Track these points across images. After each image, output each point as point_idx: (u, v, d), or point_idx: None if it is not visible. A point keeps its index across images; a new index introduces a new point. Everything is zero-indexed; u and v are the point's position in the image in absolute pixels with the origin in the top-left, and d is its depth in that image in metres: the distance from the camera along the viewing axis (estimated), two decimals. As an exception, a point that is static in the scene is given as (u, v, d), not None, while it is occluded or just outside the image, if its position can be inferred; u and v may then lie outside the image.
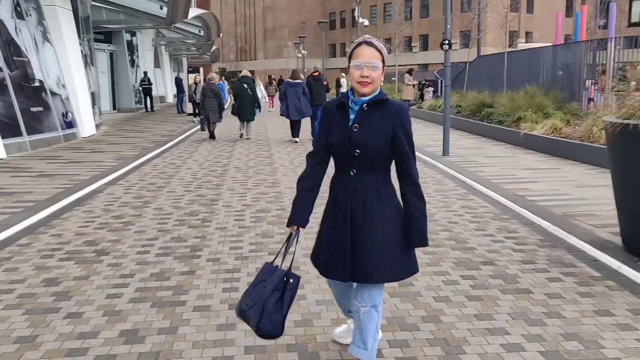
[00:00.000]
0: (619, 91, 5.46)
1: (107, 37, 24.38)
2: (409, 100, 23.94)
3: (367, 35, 2.58)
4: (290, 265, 2.63)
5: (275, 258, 2.65)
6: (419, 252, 4.78)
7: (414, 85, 24.91)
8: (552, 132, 10.96)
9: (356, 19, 36.61)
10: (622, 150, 4.73)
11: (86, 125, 14.65)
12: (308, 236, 5.19)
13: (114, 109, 24.82)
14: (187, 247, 4.98)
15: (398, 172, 2.59)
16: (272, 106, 27.26)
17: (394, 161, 2.59)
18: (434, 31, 58.22)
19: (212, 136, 14.38)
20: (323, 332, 3.28)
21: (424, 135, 14.40)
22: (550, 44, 17.35)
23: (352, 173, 2.55)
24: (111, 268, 4.41)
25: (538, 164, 9.65)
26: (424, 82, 26.13)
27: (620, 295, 3.83)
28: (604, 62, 12.70)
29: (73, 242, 5.12)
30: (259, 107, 14.76)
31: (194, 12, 26.88)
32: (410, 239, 2.57)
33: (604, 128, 5.11)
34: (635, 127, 4.41)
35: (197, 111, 17.88)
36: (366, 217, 2.53)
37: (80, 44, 15.33)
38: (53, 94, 13.24)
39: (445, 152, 10.82)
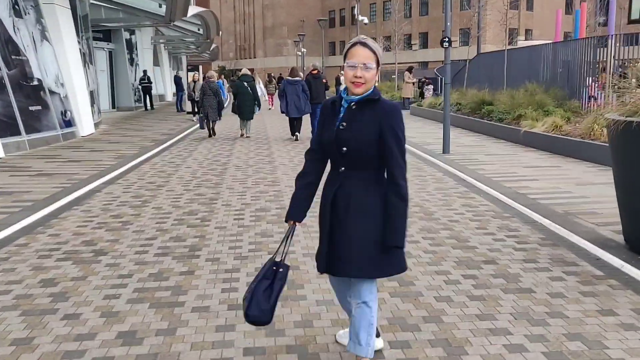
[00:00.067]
0: (619, 88, 5.41)
1: (106, 35, 24.33)
2: (408, 98, 23.91)
3: (362, 36, 2.61)
4: (283, 256, 2.70)
5: (274, 254, 2.72)
6: (419, 251, 4.82)
7: (413, 83, 24.88)
8: (553, 129, 10.93)
9: (356, 16, 36.58)
10: (624, 147, 4.70)
11: (85, 124, 14.61)
12: (309, 235, 5.17)
13: (113, 107, 24.79)
14: (186, 246, 4.94)
15: (386, 170, 2.61)
16: (272, 104, 27.22)
17: None
18: (434, 29, 58.16)
19: (212, 134, 14.42)
20: (323, 333, 3.24)
21: (424, 133, 14.37)
22: (550, 42, 17.29)
23: (341, 170, 2.61)
24: (109, 268, 4.37)
25: (539, 162, 9.61)
26: (423, 79, 26.10)
27: (623, 294, 3.79)
28: (604, 60, 12.64)
29: (71, 242, 5.08)
30: (259, 105, 14.79)
31: (193, 10, 26.82)
32: (384, 238, 2.55)
33: (606, 125, 5.07)
34: (638, 124, 4.37)
35: (196, 109, 17.88)
36: (349, 211, 2.57)
37: (79, 42, 15.29)
38: (52, 92, 13.19)
39: (446, 150, 10.79)
